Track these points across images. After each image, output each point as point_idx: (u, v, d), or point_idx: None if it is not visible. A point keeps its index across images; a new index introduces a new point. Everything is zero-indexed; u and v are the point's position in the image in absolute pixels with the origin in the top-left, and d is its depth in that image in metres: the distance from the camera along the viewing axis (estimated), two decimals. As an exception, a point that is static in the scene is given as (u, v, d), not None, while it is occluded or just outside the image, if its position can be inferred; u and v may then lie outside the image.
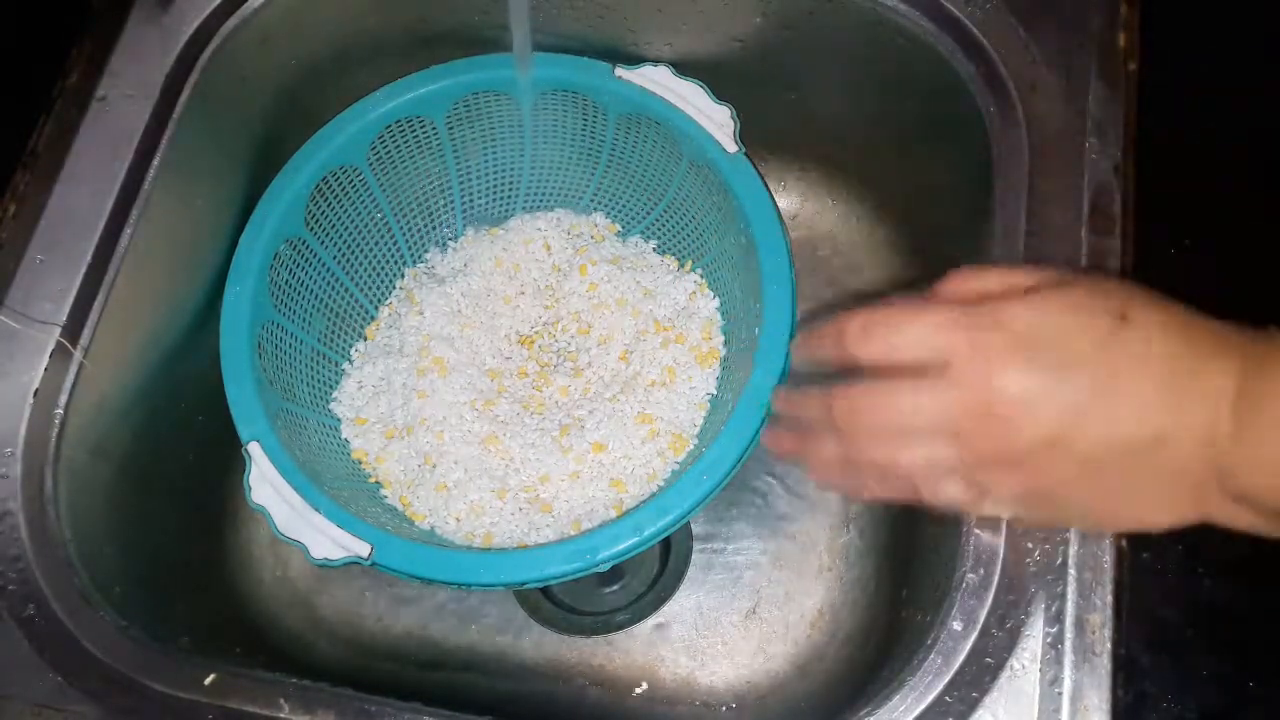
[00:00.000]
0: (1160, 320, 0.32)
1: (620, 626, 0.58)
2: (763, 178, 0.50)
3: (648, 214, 0.59)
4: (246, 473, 0.46)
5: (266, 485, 0.45)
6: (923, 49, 0.51)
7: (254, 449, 0.46)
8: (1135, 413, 0.31)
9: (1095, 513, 0.34)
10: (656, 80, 0.52)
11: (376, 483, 0.53)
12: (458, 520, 0.52)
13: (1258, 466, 0.30)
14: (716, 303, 0.56)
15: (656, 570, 0.60)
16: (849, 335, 0.35)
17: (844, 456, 0.36)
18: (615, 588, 0.60)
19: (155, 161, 0.50)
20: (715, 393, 0.53)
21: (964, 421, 0.33)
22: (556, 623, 0.58)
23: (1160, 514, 0.33)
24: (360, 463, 0.53)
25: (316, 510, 0.45)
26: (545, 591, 0.60)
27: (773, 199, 0.50)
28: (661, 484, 0.51)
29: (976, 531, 0.41)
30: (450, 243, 0.61)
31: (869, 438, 0.35)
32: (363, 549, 0.44)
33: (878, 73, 0.55)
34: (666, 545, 0.60)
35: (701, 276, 0.57)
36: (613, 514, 0.51)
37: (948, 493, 0.35)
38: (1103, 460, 0.32)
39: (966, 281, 0.35)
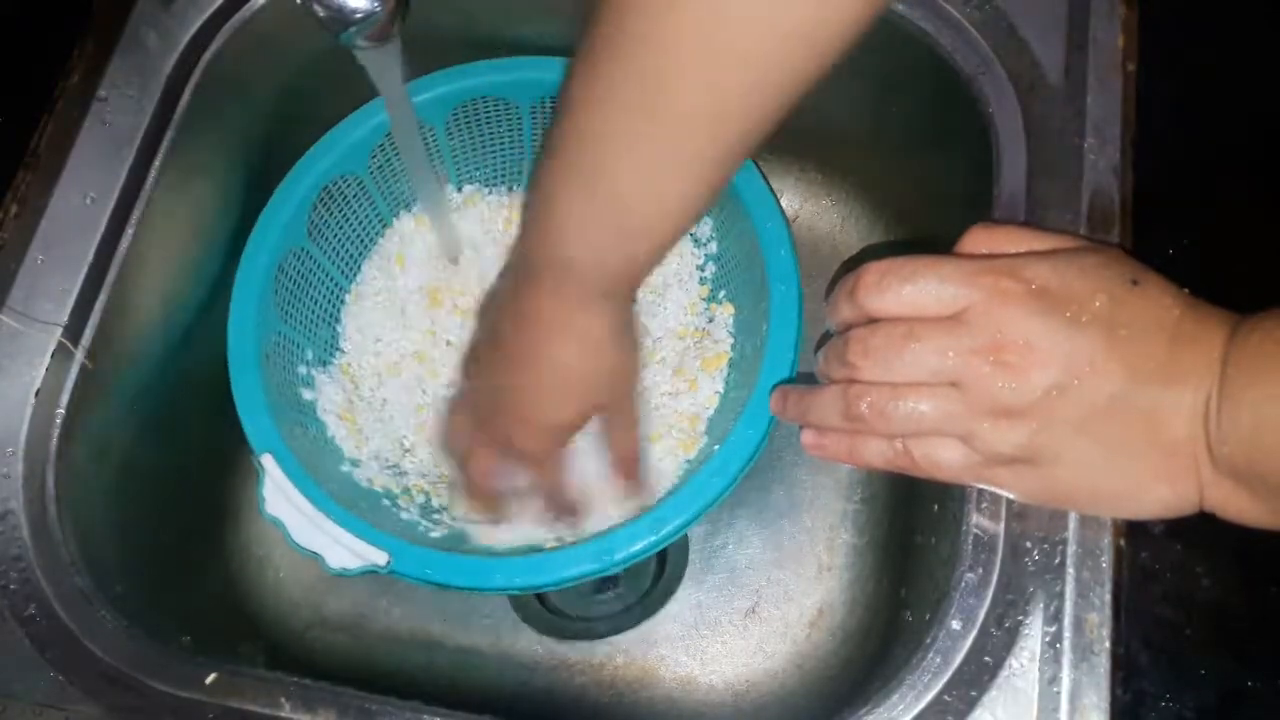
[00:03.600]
0: (1169, 288, 0.34)
1: (601, 635, 0.58)
2: (766, 178, 0.50)
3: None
4: (260, 485, 0.46)
5: (280, 497, 0.45)
6: (922, 49, 0.51)
7: (267, 461, 0.46)
8: (1144, 370, 0.32)
9: (1093, 481, 0.34)
10: None
11: (385, 488, 0.53)
12: (465, 519, 0.52)
13: (1238, 432, 0.31)
14: (724, 299, 0.56)
15: (649, 583, 0.60)
16: (863, 287, 0.35)
17: (845, 410, 0.36)
18: (609, 594, 0.60)
19: (156, 162, 0.50)
20: (724, 390, 0.53)
21: (973, 365, 0.33)
22: (538, 625, 0.58)
23: (1158, 486, 0.33)
24: (367, 467, 0.53)
25: (332, 520, 0.45)
26: (540, 598, 0.60)
27: (776, 199, 0.50)
28: (673, 482, 0.51)
29: (975, 531, 0.42)
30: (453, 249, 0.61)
31: (880, 373, 0.35)
32: (380, 557, 0.44)
33: (877, 73, 0.55)
34: (662, 558, 0.60)
35: (709, 276, 0.57)
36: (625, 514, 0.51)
37: (944, 457, 0.35)
38: (1106, 416, 0.32)
39: (985, 239, 0.36)
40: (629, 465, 0.47)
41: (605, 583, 0.60)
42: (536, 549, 0.49)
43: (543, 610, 0.59)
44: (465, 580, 0.44)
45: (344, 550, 0.44)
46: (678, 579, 0.59)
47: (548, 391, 0.42)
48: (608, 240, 0.38)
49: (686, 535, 0.60)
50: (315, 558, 0.44)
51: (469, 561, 0.44)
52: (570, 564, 0.44)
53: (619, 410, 0.46)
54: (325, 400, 0.53)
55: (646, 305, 0.56)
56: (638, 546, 0.44)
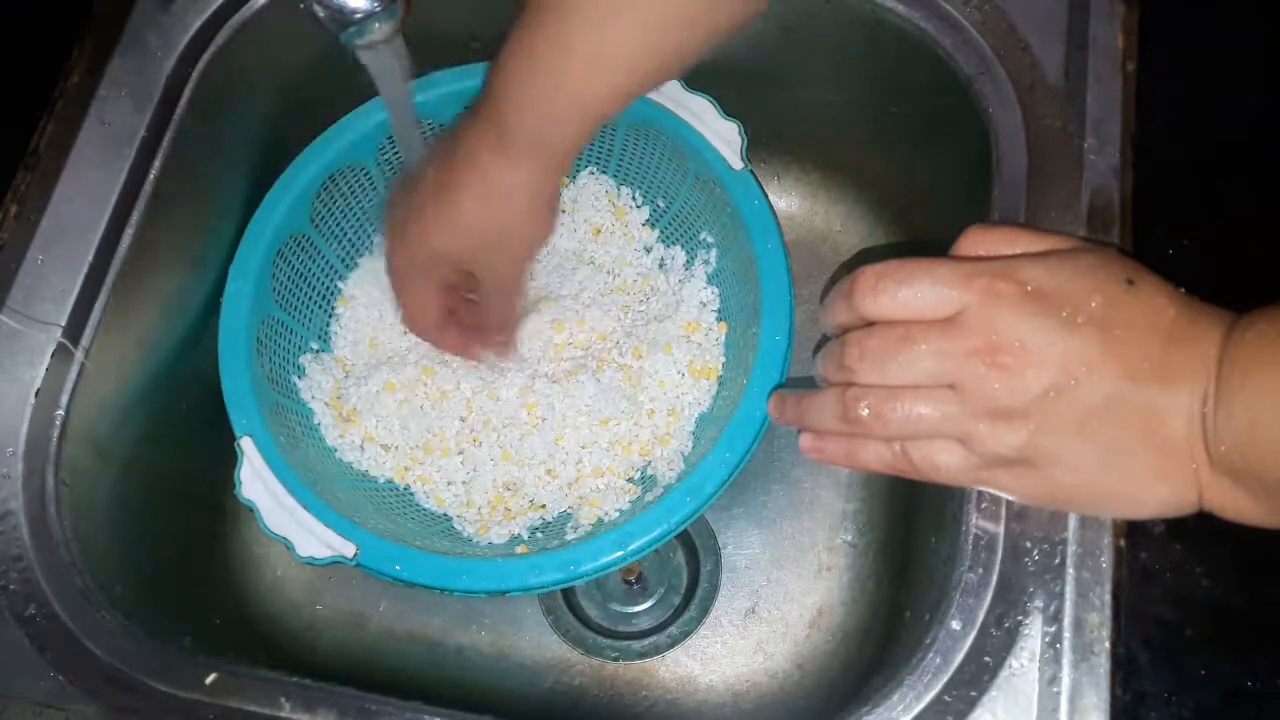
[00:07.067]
0: (1164, 289, 0.34)
1: (639, 656, 0.59)
2: (767, 195, 0.50)
3: (654, 225, 0.59)
4: (238, 467, 0.46)
5: (257, 481, 0.46)
6: (922, 49, 0.51)
7: (246, 444, 0.46)
8: (1140, 370, 0.32)
9: (1091, 482, 0.34)
10: (665, 94, 0.52)
11: (372, 477, 0.53)
12: (443, 514, 0.52)
13: (1234, 430, 0.31)
14: (716, 315, 0.56)
15: (679, 603, 0.60)
16: (860, 290, 0.35)
17: (843, 413, 0.36)
18: (643, 606, 0.60)
19: (156, 162, 0.50)
20: (709, 408, 0.53)
21: (969, 367, 0.33)
22: (583, 643, 0.59)
23: (1158, 486, 0.33)
24: (355, 463, 0.53)
25: (305, 508, 0.45)
26: (575, 611, 0.60)
27: (775, 217, 0.50)
28: (660, 493, 0.51)
29: (975, 531, 0.42)
30: None
31: (877, 376, 0.35)
32: (348, 549, 0.44)
33: (877, 73, 0.55)
34: (694, 578, 0.60)
35: (710, 296, 0.57)
36: (596, 517, 0.51)
37: (942, 459, 0.35)
38: (1103, 416, 0.32)
39: (981, 240, 0.36)
40: (498, 330, 0.51)
41: (638, 595, 0.61)
42: (509, 553, 0.50)
43: (584, 629, 0.59)
44: (431, 579, 0.44)
45: (314, 539, 0.44)
46: (706, 609, 0.60)
47: (443, 218, 0.45)
48: (539, 98, 0.41)
49: (719, 559, 0.60)
50: (285, 544, 0.45)
51: (436, 560, 0.45)
52: (536, 572, 0.44)
53: (501, 271, 0.47)
54: (314, 387, 0.54)
55: (645, 316, 0.56)
56: (604, 560, 0.44)
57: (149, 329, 0.52)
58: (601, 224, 0.58)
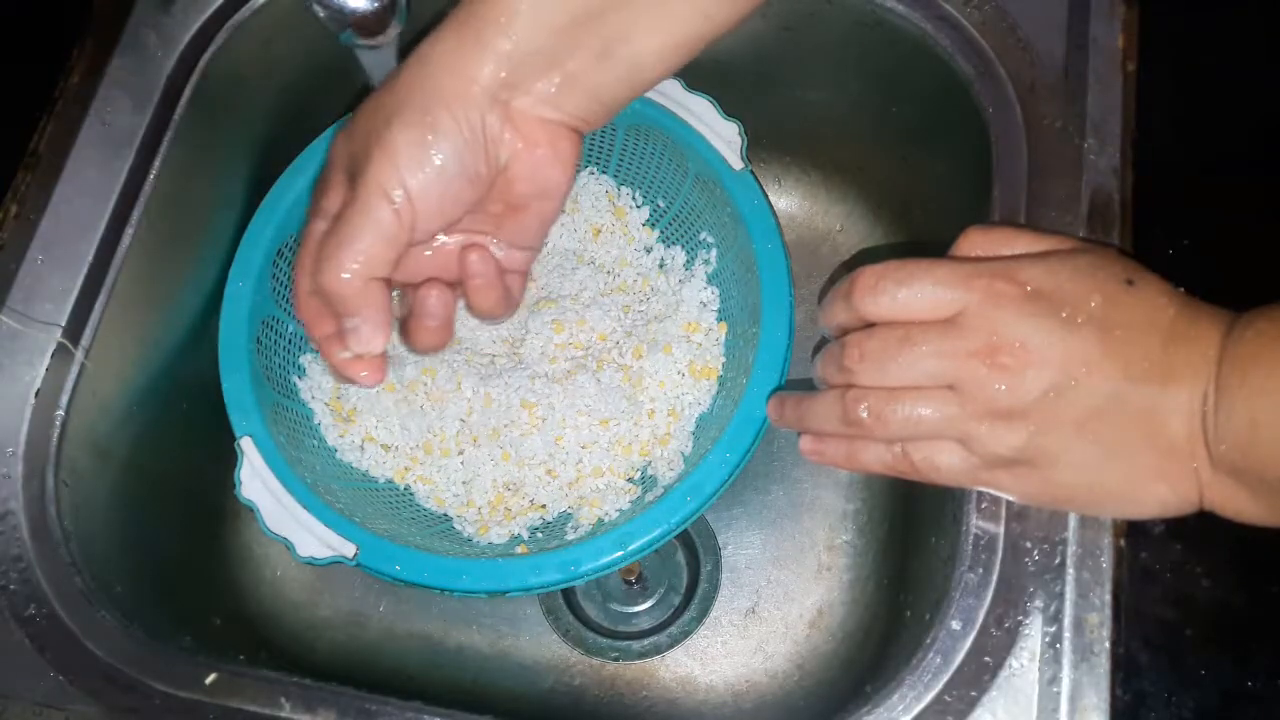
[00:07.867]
0: (1164, 288, 0.34)
1: (639, 655, 0.59)
2: (767, 195, 0.50)
3: (654, 225, 0.59)
4: (238, 467, 0.46)
5: (257, 481, 0.46)
6: (922, 50, 0.51)
7: (246, 444, 0.46)
8: (1140, 370, 0.32)
9: (1092, 482, 0.34)
10: (666, 94, 0.52)
11: (372, 477, 0.53)
12: (443, 514, 0.52)
13: (1234, 430, 0.31)
14: (716, 315, 0.56)
15: (680, 602, 0.60)
16: (859, 291, 0.35)
17: (843, 414, 0.36)
18: (643, 606, 0.60)
19: (156, 162, 0.50)
20: (709, 408, 0.53)
21: (969, 368, 0.33)
22: (579, 640, 0.59)
23: (1158, 486, 0.33)
24: (355, 464, 0.53)
25: (305, 508, 0.45)
26: (575, 611, 0.60)
27: (775, 217, 0.50)
28: (659, 493, 0.51)
29: (975, 531, 0.42)
30: None
31: (876, 378, 0.35)
32: (348, 549, 0.44)
33: (877, 73, 0.56)
34: (694, 578, 0.60)
35: (711, 296, 0.57)
36: (596, 517, 0.51)
37: (943, 461, 0.35)
38: (1103, 416, 0.33)
39: (981, 241, 0.36)
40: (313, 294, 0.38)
41: (638, 595, 0.61)
42: (508, 553, 0.50)
43: (584, 629, 0.60)
44: (431, 579, 0.44)
45: (314, 539, 0.45)
46: (705, 611, 0.60)
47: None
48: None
49: (719, 559, 0.60)
50: (285, 544, 0.45)
51: (436, 560, 0.45)
52: (537, 572, 0.44)
53: (373, 154, 0.35)
54: (314, 387, 0.54)
55: (645, 316, 0.56)
56: (604, 560, 0.44)
57: (149, 329, 0.52)
58: (601, 224, 0.58)
